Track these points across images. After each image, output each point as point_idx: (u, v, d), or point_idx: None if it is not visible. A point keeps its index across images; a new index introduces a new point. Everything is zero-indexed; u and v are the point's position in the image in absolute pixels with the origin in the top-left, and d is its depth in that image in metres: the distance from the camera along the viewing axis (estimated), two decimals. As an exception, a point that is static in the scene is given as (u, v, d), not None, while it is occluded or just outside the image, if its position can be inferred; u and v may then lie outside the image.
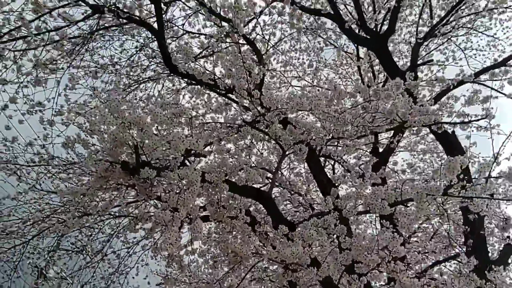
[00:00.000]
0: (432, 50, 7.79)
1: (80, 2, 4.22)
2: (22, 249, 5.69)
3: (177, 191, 3.13)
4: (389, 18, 5.29)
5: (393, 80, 4.03)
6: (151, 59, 6.44)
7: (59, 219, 4.80)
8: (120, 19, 4.72)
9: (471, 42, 8.10)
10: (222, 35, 5.40)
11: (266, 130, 3.88)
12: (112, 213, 4.51)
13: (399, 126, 3.50)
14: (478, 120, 3.60)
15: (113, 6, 4.42)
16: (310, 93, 4.52)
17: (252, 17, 5.81)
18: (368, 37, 5.30)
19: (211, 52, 6.40)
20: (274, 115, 3.75)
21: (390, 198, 3.02)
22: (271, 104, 3.62)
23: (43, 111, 4.33)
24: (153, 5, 4.72)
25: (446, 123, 3.47)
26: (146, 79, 6.38)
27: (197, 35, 6.42)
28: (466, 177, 3.27)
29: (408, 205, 3.28)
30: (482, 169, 3.09)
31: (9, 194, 5.37)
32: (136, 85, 6.34)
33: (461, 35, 7.68)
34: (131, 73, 6.43)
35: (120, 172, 3.31)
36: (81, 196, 3.60)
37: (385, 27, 5.47)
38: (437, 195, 2.86)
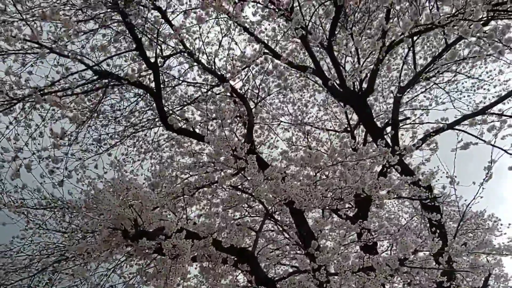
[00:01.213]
0: (417, 95, 8.42)
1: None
2: (29, 282, 6.32)
3: (171, 257, 3.74)
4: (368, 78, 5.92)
5: (364, 146, 4.68)
6: (149, 105, 7.09)
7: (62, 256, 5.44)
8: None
9: (456, 84, 8.70)
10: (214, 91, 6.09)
11: (252, 192, 4.49)
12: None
13: (365, 198, 4.09)
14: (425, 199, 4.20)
15: (115, 75, 5.06)
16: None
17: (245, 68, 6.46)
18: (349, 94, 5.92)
19: (203, 99, 7.09)
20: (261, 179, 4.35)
21: (354, 268, 3.62)
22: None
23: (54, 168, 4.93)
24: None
25: (409, 198, 4.07)
26: (143, 126, 7.02)
27: (192, 84, 7.08)
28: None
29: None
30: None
31: (18, 234, 6.02)
32: (134, 132, 6.97)
33: (444, 81, 8.23)
34: (131, 119, 7.06)
35: (121, 237, 3.91)
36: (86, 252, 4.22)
37: (365, 84, 6.08)
38: (393, 267, 3.47)
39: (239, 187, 4.65)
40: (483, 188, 4.75)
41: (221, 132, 3.92)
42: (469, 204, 4.41)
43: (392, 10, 5.42)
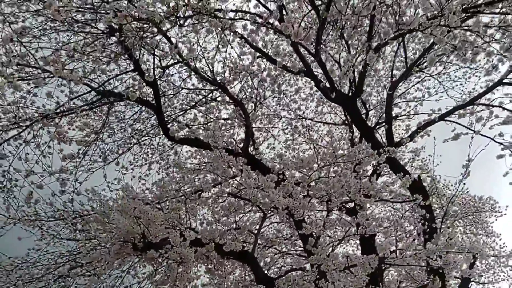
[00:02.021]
0: (411, 86, 8.74)
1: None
2: (47, 291, 6.89)
3: (177, 263, 4.23)
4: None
5: (355, 146, 5.09)
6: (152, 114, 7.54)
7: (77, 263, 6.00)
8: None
9: (448, 74, 8.96)
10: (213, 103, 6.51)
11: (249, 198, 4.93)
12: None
13: (351, 203, 4.52)
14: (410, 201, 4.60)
15: (117, 93, 5.49)
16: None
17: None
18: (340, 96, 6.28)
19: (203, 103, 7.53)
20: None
21: (340, 266, 4.08)
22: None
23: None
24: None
25: (389, 201, 4.50)
26: (148, 133, 7.48)
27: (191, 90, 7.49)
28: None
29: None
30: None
31: (34, 246, 6.55)
32: (140, 138, 7.45)
33: (436, 73, 8.50)
34: (135, 126, 7.53)
35: (131, 249, 4.41)
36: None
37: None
38: (373, 265, 3.91)
39: (238, 194, 5.09)
40: (463, 184, 5.17)
41: (218, 153, 4.34)
42: (451, 198, 4.79)
43: (375, 15, 5.74)
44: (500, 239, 10.14)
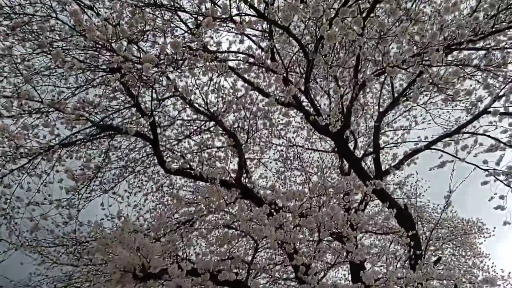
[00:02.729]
0: (398, 116, 9.21)
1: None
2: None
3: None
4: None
5: (343, 178, 5.45)
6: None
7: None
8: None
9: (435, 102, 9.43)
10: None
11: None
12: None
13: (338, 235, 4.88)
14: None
15: (117, 128, 5.86)
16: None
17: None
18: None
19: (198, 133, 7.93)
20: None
21: None
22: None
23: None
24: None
25: (375, 232, 4.85)
26: (143, 162, 7.83)
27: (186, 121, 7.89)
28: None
29: None
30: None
31: (34, 270, 6.84)
32: (132, 171, 7.80)
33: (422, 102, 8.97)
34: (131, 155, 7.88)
35: (132, 278, 4.70)
36: None
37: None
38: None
39: (231, 225, 5.43)
40: (446, 213, 5.57)
41: (214, 186, 4.70)
42: (434, 226, 5.15)
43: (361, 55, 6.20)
44: (489, 259, 10.57)
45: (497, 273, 10.45)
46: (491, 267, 10.44)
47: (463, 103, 9.40)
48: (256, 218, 4.70)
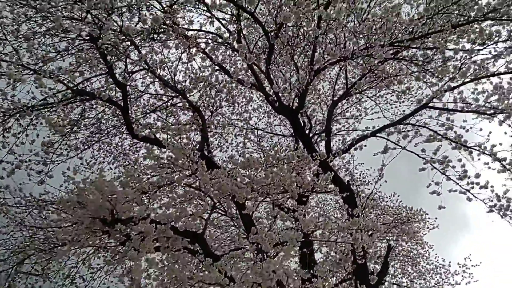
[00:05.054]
0: (350, 107, 10.34)
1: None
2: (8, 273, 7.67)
3: (140, 238, 5.32)
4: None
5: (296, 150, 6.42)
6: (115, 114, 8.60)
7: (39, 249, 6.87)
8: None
9: (385, 96, 10.61)
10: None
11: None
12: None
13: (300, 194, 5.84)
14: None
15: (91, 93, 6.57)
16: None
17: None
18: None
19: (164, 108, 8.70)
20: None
21: (273, 242, 5.34)
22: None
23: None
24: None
25: (319, 192, 5.82)
26: (109, 132, 8.54)
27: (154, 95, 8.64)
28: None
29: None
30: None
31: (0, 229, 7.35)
32: (102, 137, 8.49)
33: (371, 96, 10.14)
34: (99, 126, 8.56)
35: (100, 223, 5.44)
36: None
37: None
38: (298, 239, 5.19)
39: (193, 185, 6.23)
40: (376, 188, 6.66)
41: (179, 143, 5.52)
42: (368, 196, 6.19)
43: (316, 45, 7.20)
44: (433, 250, 11.94)
45: (440, 263, 11.91)
46: (435, 258, 11.86)
47: (410, 101, 10.72)
48: (214, 176, 5.57)
